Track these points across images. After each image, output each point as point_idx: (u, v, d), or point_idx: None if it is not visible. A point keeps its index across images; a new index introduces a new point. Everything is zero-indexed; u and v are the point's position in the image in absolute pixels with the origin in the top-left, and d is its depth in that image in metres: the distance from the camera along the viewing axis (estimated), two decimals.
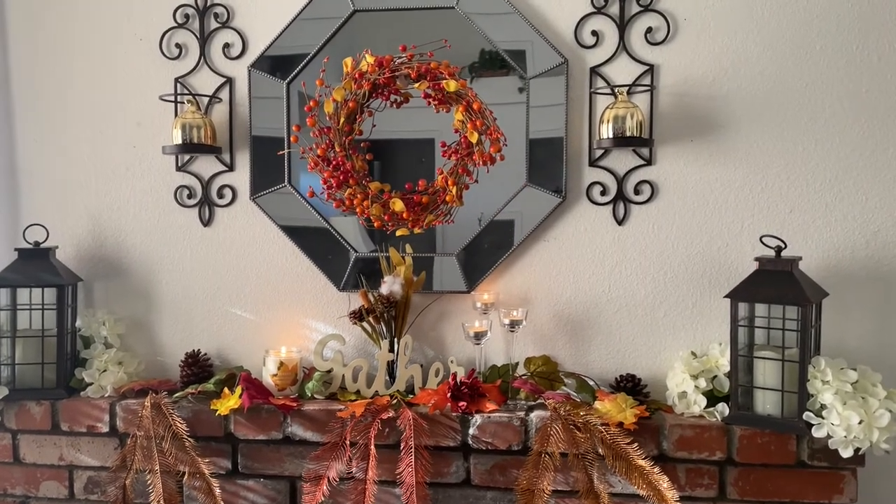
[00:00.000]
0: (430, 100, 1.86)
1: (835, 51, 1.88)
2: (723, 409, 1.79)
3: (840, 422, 1.64)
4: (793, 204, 1.91)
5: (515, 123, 1.97)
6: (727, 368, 1.82)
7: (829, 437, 1.65)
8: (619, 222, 1.98)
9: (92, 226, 2.17)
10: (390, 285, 1.95)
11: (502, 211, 2.00)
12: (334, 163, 1.86)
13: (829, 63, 1.88)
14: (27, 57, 2.18)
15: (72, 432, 1.97)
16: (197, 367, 2.04)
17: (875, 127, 1.87)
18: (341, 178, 1.87)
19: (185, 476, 1.87)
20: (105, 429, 1.95)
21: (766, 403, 1.75)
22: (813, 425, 1.67)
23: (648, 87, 1.94)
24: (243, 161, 2.11)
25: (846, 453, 1.64)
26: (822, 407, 1.68)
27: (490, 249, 2.01)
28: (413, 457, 1.76)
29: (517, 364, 1.96)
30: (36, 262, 2.03)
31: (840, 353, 1.79)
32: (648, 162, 1.96)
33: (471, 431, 1.82)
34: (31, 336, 2.01)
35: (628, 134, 1.86)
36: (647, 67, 1.94)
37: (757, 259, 1.79)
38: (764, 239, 1.79)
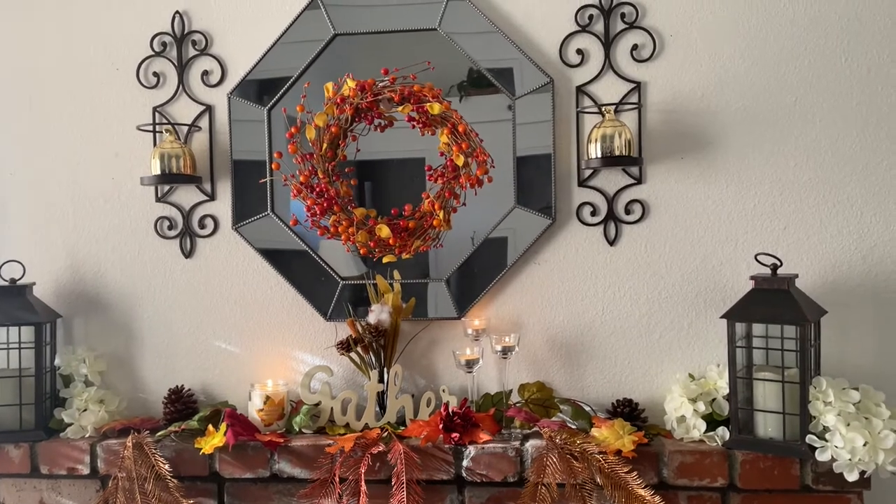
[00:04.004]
0: (415, 123, 1.82)
1: (823, 64, 1.85)
2: (723, 433, 1.74)
3: (844, 444, 1.59)
4: (787, 220, 1.87)
5: (503, 145, 1.93)
6: (726, 391, 1.77)
7: (833, 460, 1.60)
8: (611, 243, 1.94)
9: (70, 261, 2.12)
10: (378, 314, 1.90)
11: (491, 234, 1.96)
12: (318, 189, 1.82)
13: (819, 76, 1.85)
14: (1, 89, 2.13)
15: (52, 475, 1.91)
16: (181, 403, 1.98)
17: (867, 140, 1.84)
18: (325, 204, 1.83)
19: None
20: (86, 471, 1.89)
21: (768, 426, 1.70)
22: (816, 448, 1.62)
23: (636, 105, 1.90)
24: (224, 190, 2.06)
25: (851, 476, 1.59)
26: (825, 429, 1.63)
27: (480, 274, 1.97)
28: (405, 492, 1.69)
29: (511, 391, 1.91)
30: (12, 300, 1.97)
31: (840, 372, 1.75)
32: (638, 181, 1.92)
33: (464, 464, 1.76)
34: (8, 376, 1.94)
35: (617, 153, 1.82)
36: (633, 85, 1.91)
37: (753, 278, 1.75)
38: (759, 257, 1.75)
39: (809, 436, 1.63)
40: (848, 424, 1.61)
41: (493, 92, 1.95)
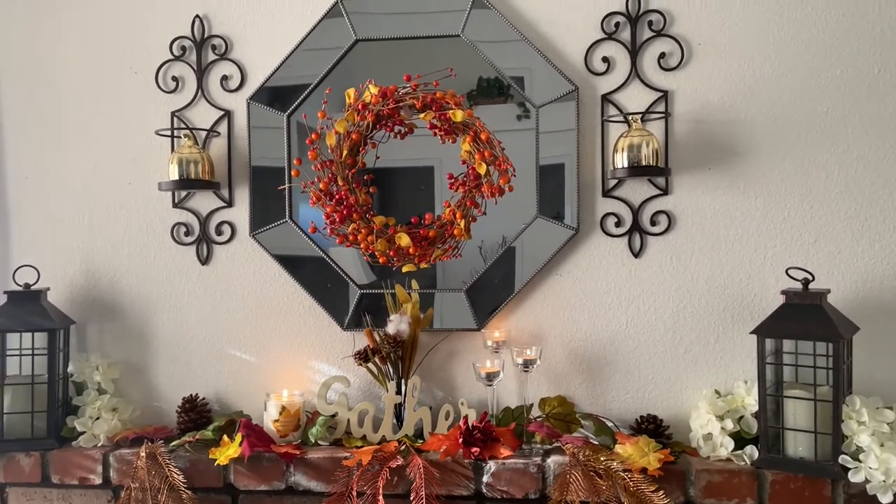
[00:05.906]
0: (437, 130, 1.79)
1: (856, 74, 1.81)
2: (752, 451, 1.69)
3: (878, 465, 1.54)
4: (817, 233, 1.83)
5: (524, 154, 1.89)
6: (754, 408, 1.72)
7: (867, 481, 1.55)
8: (636, 255, 1.90)
9: (85, 266, 2.09)
10: (397, 324, 1.86)
11: (512, 244, 1.92)
12: (337, 197, 1.79)
13: (851, 87, 1.81)
14: (17, 91, 2.11)
15: (63, 485, 1.87)
16: (195, 412, 1.94)
17: None
18: (345, 212, 1.79)
19: None
20: (98, 480, 1.85)
21: (798, 446, 1.65)
22: (850, 469, 1.57)
23: (663, 114, 1.86)
24: (242, 196, 2.03)
25: (885, 498, 1.54)
26: (859, 449, 1.58)
27: (500, 285, 1.93)
28: None
29: (531, 406, 1.87)
30: (26, 305, 1.94)
31: (871, 390, 1.70)
32: (665, 191, 1.88)
33: (485, 479, 1.72)
34: (20, 383, 1.91)
35: (644, 163, 1.78)
36: (660, 94, 1.87)
37: (784, 292, 1.70)
38: (790, 271, 1.71)
39: (843, 456, 1.58)
40: (882, 445, 1.56)
41: (504, 101, 1.91)
